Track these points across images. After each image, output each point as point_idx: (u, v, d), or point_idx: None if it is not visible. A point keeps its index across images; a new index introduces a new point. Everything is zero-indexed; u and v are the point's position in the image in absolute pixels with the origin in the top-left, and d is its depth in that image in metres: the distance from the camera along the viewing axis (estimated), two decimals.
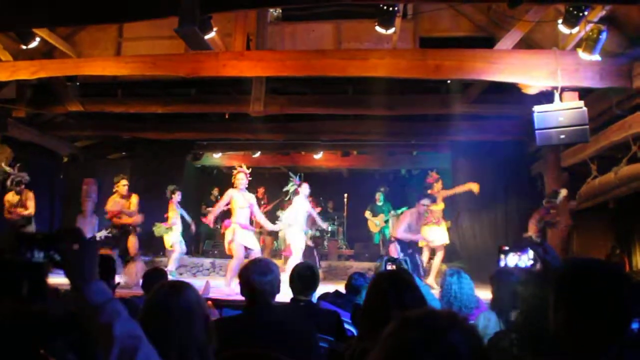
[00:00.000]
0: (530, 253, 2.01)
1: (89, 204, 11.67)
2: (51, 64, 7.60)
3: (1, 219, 8.94)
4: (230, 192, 8.04)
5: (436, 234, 8.89)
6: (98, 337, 1.31)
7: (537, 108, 6.42)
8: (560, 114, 6.24)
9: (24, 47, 7.21)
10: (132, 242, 8.49)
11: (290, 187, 9.11)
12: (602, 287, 1.46)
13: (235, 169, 8.29)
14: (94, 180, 11.80)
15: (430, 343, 1.01)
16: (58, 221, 10.87)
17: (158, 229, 9.07)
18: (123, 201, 8.60)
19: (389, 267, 3.57)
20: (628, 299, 1.47)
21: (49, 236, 1.39)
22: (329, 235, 12.43)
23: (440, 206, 9.11)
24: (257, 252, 7.85)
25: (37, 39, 7.22)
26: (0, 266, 2.04)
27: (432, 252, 8.93)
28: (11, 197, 8.95)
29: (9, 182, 8.87)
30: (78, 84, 8.64)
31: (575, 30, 5.94)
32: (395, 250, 8.23)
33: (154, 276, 4.38)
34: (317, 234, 9.52)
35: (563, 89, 6.40)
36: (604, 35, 5.81)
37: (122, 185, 8.61)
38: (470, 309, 3.68)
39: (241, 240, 7.75)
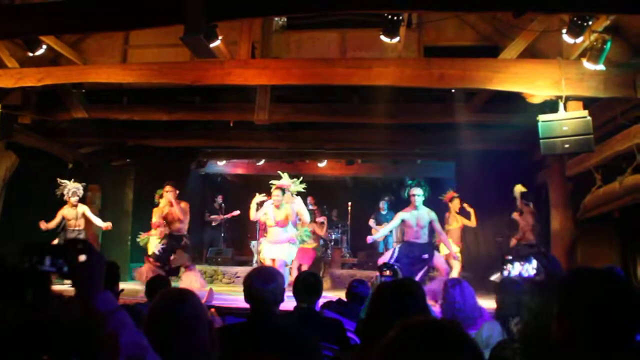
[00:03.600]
0: (534, 262, 2.00)
1: (93, 211, 11.68)
2: (57, 71, 7.64)
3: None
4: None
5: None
6: (104, 347, 1.31)
7: (541, 117, 6.42)
8: (564, 124, 6.24)
9: (30, 54, 7.25)
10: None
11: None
12: (607, 297, 1.46)
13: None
14: (98, 186, 11.82)
15: (430, 351, 1.01)
16: (62, 227, 10.87)
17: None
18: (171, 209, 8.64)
19: (385, 273, 3.56)
20: (633, 309, 1.46)
21: (57, 246, 1.39)
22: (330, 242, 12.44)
23: (454, 225, 9.15)
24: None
25: (44, 46, 7.25)
26: (5, 273, 2.05)
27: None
28: (67, 211, 9.23)
29: (65, 194, 9.14)
30: (84, 91, 8.67)
31: (579, 39, 5.95)
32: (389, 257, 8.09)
33: (157, 283, 4.39)
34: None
35: (567, 99, 6.40)
36: (608, 45, 5.82)
37: (167, 192, 8.62)
38: (473, 319, 3.67)
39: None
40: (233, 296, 7.84)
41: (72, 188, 9.13)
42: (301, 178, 8.54)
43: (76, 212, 9.27)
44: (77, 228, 9.27)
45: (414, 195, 7.87)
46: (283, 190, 8.10)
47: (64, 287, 1.71)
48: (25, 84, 7.54)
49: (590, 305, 1.46)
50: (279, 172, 8.53)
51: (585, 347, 1.45)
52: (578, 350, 1.46)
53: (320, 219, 12.02)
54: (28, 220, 9.88)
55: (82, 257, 1.36)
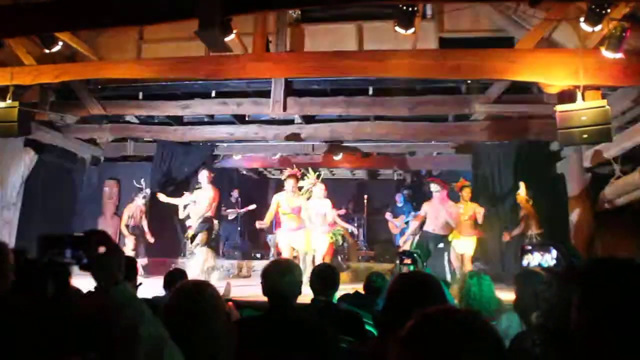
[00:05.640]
0: (554, 252, 1.98)
1: (111, 206, 11.79)
2: (73, 68, 7.70)
3: None
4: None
5: (463, 245, 8.92)
6: (123, 338, 1.32)
7: (559, 107, 6.35)
8: (582, 113, 6.16)
9: (46, 51, 7.31)
10: None
11: (306, 185, 8.88)
12: (629, 285, 1.44)
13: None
14: (115, 182, 11.91)
15: (451, 340, 1.01)
16: (80, 223, 10.97)
17: None
18: None
19: (405, 261, 3.54)
20: None
21: (76, 238, 1.41)
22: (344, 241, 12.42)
23: (465, 215, 9.06)
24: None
25: (60, 43, 7.31)
26: (26, 267, 2.07)
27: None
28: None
29: (140, 198, 10.01)
30: (99, 86, 8.74)
31: (597, 28, 5.86)
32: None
33: (175, 276, 4.42)
34: (338, 238, 9.48)
35: (585, 88, 6.32)
36: (627, 33, 5.73)
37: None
38: (490, 311, 3.65)
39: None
40: (251, 289, 7.87)
41: (139, 192, 10.07)
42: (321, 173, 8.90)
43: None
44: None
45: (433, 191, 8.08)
46: (297, 178, 8.24)
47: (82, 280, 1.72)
48: (42, 81, 7.61)
49: (612, 295, 1.44)
50: (302, 169, 8.64)
51: (604, 336, 1.43)
52: (597, 340, 1.44)
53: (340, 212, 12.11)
54: (46, 216, 10.01)
55: (101, 249, 1.37)
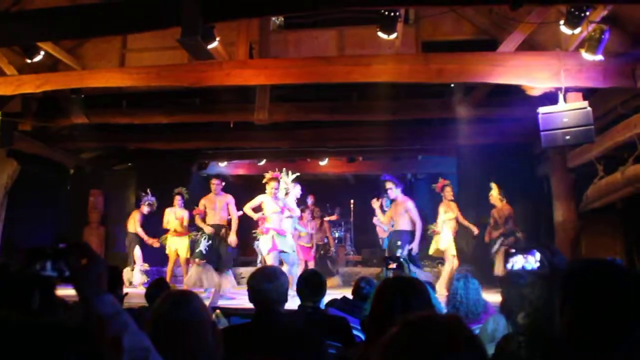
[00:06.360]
0: (537, 255, 1.99)
1: (96, 215, 11.71)
2: (56, 77, 7.64)
3: None
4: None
5: (443, 243, 8.93)
6: (107, 350, 1.31)
7: (541, 109, 6.40)
8: (564, 115, 6.22)
9: (28, 60, 7.28)
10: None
11: (282, 183, 8.65)
12: (609, 287, 1.45)
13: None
14: (100, 191, 11.84)
15: (431, 348, 1.01)
16: (65, 233, 10.89)
17: None
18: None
19: (391, 266, 3.54)
20: (636, 299, 1.45)
21: (58, 250, 1.39)
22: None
23: (448, 215, 9.05)
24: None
25: (42, 53, 7.27)
26: (10, 280, 2.06)
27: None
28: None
29: (144, 206, 9.75)
30: (83, 96, 8.68)
31: (577, 30, 5.94)
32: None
33: (158, 286, 4.38)
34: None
35: (567, 90, 6.38)
36: (606, 35, 5.81)
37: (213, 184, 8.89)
38: (476, 314, 3.66)
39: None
40: (238, 297, 7.85)
41: (146, 201, 9.80)
42: (297, 174, 8.81)
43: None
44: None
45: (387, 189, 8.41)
46: (279, 181, 8.21)
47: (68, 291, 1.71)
48: (24, 91, 7.54)
49: (593, 295, 1.45)
50: (276, 169, 8.56)
51: (588, 337, 1.44)
52: (582, 341, 1.45)
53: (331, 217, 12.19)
54: (30, 227, 9.92)
55: (83, 261, 1.36)
